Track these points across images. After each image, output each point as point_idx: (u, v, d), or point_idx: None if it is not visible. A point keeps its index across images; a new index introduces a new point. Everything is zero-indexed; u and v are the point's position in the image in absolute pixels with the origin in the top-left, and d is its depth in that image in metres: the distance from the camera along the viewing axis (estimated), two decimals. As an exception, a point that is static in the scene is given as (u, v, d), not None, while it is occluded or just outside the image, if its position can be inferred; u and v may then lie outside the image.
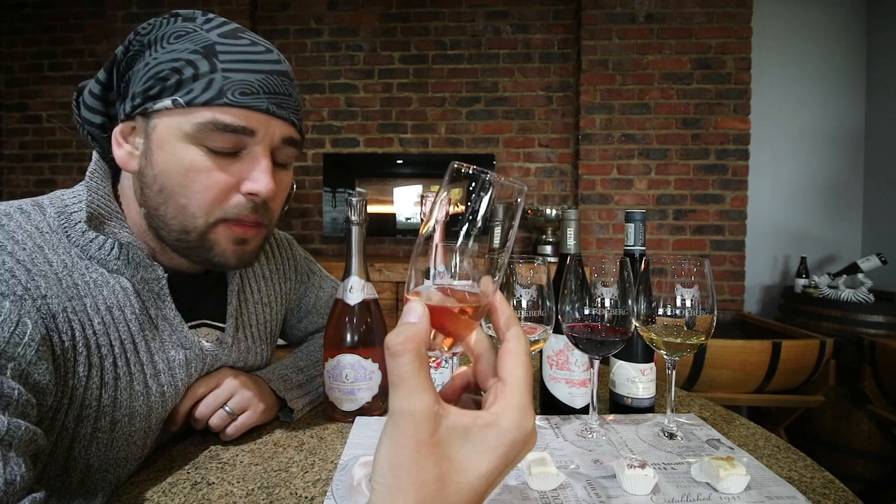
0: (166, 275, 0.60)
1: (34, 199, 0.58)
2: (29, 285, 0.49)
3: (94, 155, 0.63)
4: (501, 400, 0.32)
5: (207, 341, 0.67)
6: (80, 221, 0.56)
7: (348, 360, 0.70)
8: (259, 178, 0.57)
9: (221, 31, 0.56)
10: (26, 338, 0.46)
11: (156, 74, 0.54)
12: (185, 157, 0.55)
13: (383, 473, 0.29)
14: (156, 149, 0.55)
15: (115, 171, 0.64)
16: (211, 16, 0.58)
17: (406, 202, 2.85)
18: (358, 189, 2.88)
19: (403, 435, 0.29)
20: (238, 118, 0.55)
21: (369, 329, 0.71)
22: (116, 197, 0.63)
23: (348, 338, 0.70)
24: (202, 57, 0.54)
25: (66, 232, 0.55)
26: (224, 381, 0.66)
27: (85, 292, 0.54)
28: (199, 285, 0.68)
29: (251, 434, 0.67)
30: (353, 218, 0.71)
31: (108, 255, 0.56)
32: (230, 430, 0.65)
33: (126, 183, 0.62)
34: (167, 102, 0.54)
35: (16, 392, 0.43)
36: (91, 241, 0.56)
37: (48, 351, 0.48)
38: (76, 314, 0.52)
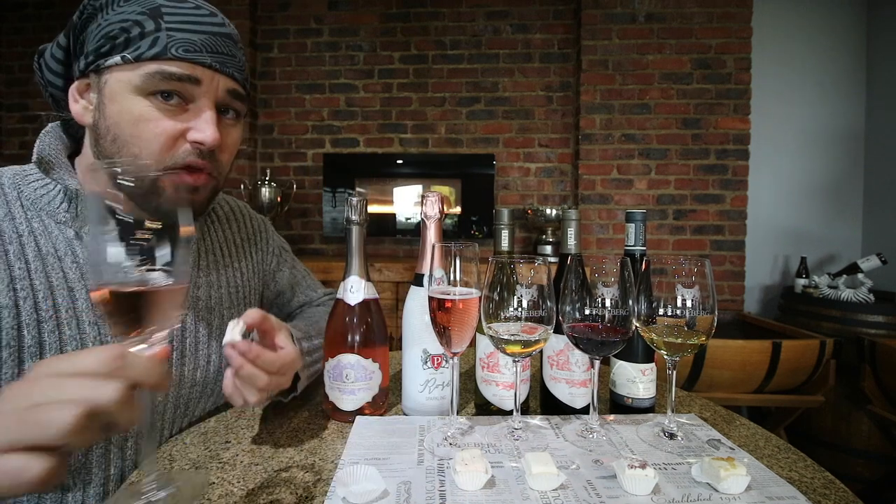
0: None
1: None
2: None
3: (49, 126, 0.68)
4: None
5: None
6: (31, 173, 0.62)
7: (349, 360, 0.69)
8: (204, 128, 0.61)
9: None
10: None
11: (106, 34, 0.59)
12: (135, 109, 0.59)
13: None
14: (108, 102, 0.60)
15: (75, 145, 0.70)
16: None
17: (406, 202, 2.85)
18: (358, 189, 2.88)
19: None
20: (183, 68, 0.59)
21: (370, 329, 0.71)
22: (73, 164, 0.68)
23: (349, 338, 0.70)
24: (148, 17, 0.59)
25: (19, 188, 0.61)
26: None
27: (10, 240, 0.58)
28: None
29: (251, 433, 0.67)
30: (354, 218, 0.71)
31: (58, 207, 0.61)
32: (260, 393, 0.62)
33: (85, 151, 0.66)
34: (117, 59, 0.58)
35: None
36: (42, 196, 0.60)
37: None
38: None
